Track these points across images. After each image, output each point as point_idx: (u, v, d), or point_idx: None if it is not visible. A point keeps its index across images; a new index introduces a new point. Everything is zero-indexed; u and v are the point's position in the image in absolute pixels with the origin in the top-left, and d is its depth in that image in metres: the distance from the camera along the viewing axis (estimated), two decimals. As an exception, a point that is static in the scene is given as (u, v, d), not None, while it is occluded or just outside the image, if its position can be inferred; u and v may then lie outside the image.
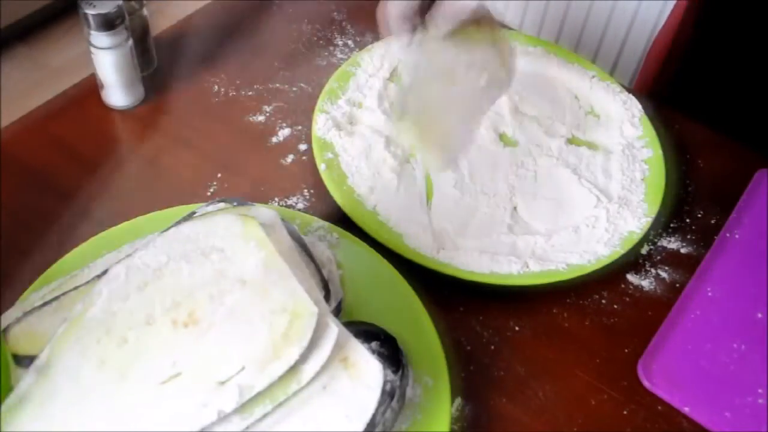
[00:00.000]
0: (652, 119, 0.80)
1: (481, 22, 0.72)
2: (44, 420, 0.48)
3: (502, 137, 0.78)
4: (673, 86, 0.95)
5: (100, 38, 0.72)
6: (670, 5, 0.93)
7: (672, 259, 0.71)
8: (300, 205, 0.71)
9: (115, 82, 0.75)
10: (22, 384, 0.49)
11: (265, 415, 0.49)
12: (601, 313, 0.66)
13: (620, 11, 0.99)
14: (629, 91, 0.83)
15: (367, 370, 0.51)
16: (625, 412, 0.60)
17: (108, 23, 0.70)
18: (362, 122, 0.76)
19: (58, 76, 2.15)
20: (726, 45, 0.88)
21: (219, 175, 0.73)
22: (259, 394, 0.48)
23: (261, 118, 0.79)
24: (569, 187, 0.74)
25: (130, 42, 0.74)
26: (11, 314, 0.55)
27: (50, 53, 2.23)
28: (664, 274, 0.70)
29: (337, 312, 0.60)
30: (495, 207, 0.71)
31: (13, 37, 2.22)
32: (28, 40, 2.25)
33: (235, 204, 0.59)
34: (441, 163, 0.70)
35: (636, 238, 0.69)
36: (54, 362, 0.49)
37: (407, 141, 0.72)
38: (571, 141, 0.79)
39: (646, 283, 0.69)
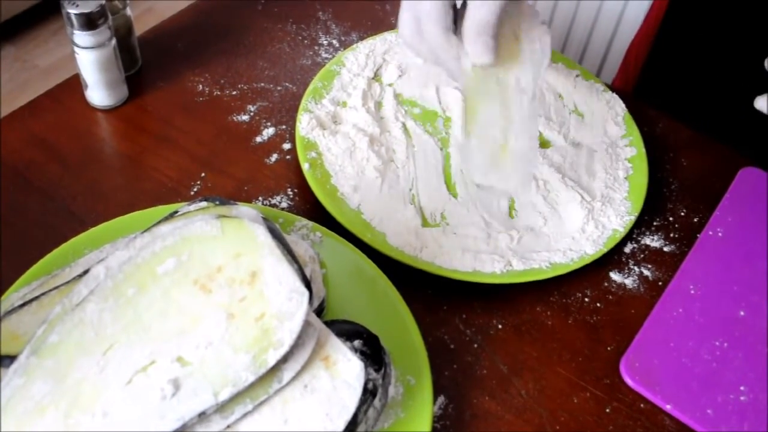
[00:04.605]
0: (635, 118, 0.80)
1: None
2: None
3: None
4: (654, 85, 0.95)
5: (82, 37, 0.71)
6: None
7: (655, 257, 0.71)
8: (284, 204, 0.71)
9: (99, 81, 0.75)
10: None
11: (245, 414, 0.49)
12: (584, 311, 0.67)
13: (606, 12, 0.99)
14: (612, 90, 0.83)
15: (348, 369, 0.51)
16: (607, 410, 0.61)
17: (91, 22, 0.70)
18: (346, 121, 0.76)
19: (46, 76, 2.14)
20: (704, 45, 0.89)
21: (203, 174, 0.73)
22: (240, 393, 0.48)
23: (245, 117, 0.79)
24: (553, 185, 0.74)
25: (114, 41, 0.74)
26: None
27: (38, 54, 2.22)
28: (647, 272, 0.70)
29: (320, 311, 0.60)
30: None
31: (2, 37, 2.21)
32: (17, 40, 2.24)
33: (217, 203, 0.59)
34: (518, 184, 0.69)
35: (619, 237, 0.69)
36: (32, 362, 0.49)
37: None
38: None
39: (629, 282, 0.69)
